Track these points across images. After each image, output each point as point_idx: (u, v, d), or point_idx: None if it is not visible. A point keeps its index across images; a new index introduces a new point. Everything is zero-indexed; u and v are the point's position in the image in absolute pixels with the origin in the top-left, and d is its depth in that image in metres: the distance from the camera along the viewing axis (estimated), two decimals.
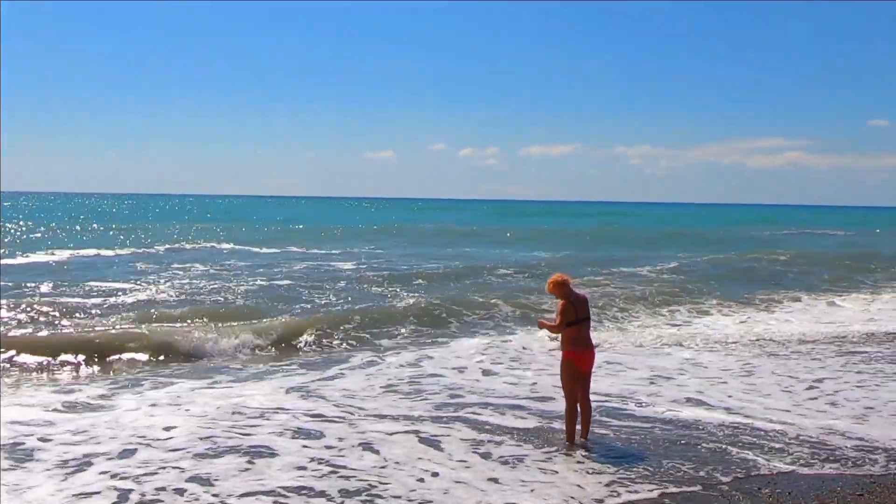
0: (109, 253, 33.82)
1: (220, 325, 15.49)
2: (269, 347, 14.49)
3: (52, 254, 32.10)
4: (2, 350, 13.00)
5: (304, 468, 7.90)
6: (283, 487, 7.37)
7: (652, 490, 7.38)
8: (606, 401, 10.53)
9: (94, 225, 59.26)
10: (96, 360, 13.12)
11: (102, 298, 19.10)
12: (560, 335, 8.65)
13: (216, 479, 7.52)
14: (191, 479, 7.52)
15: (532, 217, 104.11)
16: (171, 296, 19.98)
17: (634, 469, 7.93)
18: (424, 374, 12.45)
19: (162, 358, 13.44)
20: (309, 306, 18.77)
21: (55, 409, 10.02)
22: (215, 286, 22.14)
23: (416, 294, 20.76)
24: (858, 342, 15.72)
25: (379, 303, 19.12)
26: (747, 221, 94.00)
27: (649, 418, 9.89)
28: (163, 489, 7.28)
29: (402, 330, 16.31)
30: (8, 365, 12.68)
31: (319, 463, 8.06)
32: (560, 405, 10.26)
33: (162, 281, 23.32)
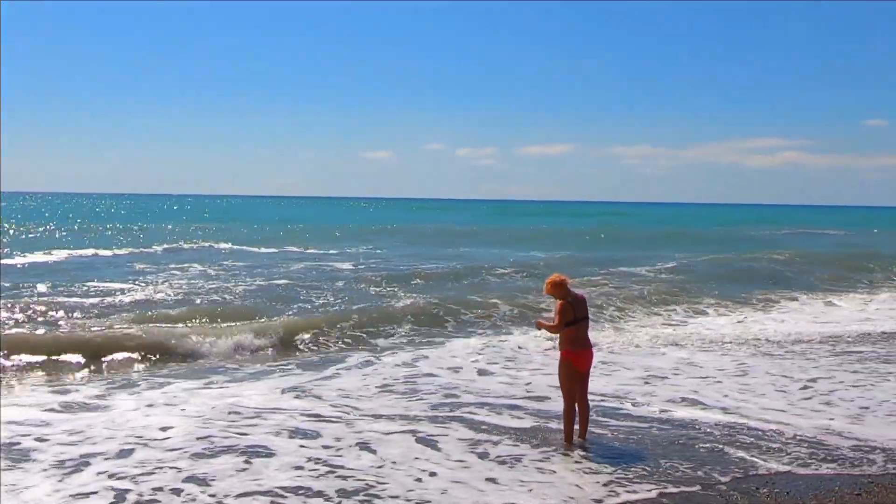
0: (107, 253, 33.78)
1: (217, 325, 15.49)
2: (267, 347, 14.46)
3: (50, 254, 32.03)
4: (2, 350, 12.96)
5: (301, 468, 7.89)
6: (281, 487, 7.36)
7: (650, 490, 7.38)
8: (602, 400, 10.52)
9: (92, 225, 59.21)
10: (93, 360, 13.09)
11: (99, 298, 19.07)
12: (558, 335, 8.64)
13: (213, 480, 7.51)
14: (188, 480, 7.50)
15: (530, 217, 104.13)
16: (169, 296, 19.96)
17: (632, 469, 7.92)
18: (421, 373, 12.44)
19: (158, 358, 13.41)
20: (307, 306, 18.75)
21: (52, 409, 10.00)
22: (213, 286, 22.11)
23: (414, 294, 20.73)
24: (853, 342, 15.72)
25: (376, 303, 19.10)
26: (745, 221, 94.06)
27: (646, 418, 9.89)
28: (160, 489, 7.26)
29: (400, 330, 16.30)
30: (7, 363, 12.65)
31: (317, 463, 8.04)
32: (556, 405, 10.26)
33: (159, 281, 23.29)
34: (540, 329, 8.90)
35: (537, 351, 14.45)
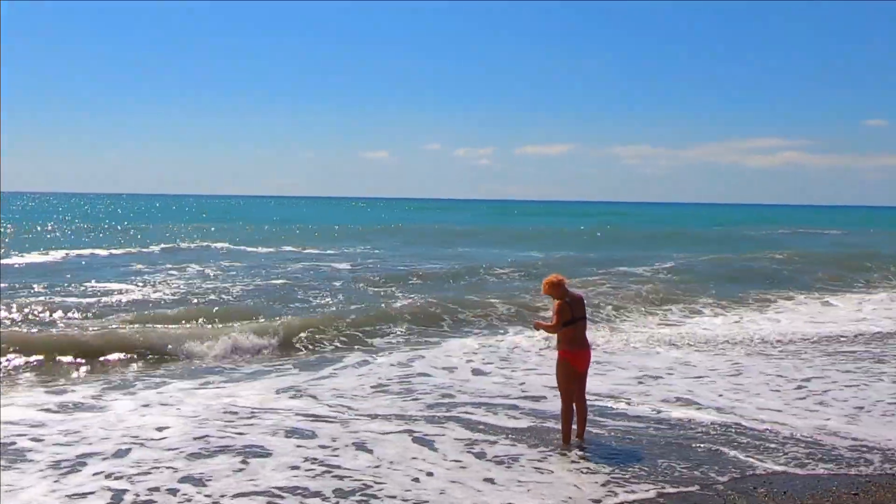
0: (104, 253, 33.75)
1: (213, 325, 15.46)
2: (263, 348, 14.42)
3: (47, 254, 31.99)
4: (2, 350, 12.92)
5: (297, 468, 7.87)
6: (278, 487, 7.34)
7: (648, 490, 7.36)
8: (597, 400, 10.51)
9: (90, 225, 59.15)
10: (89, 360, 13.04)
11: (96, 298, 19.03)
12: (556, 335, 8.63)
13: (209, 480, 7.49)
14: (184, 480, 7.48)
15: (528, 217, 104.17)
16: (166, 296, 19.93)
17: (630, 469, 7.91)
18: (417, 373, 12.44)
19: (155, 358, 13.38)
20: (304, 306, 18.73)
21: (47, 409, 9.97)
22: (210, 286, 22.09)
23: (412, 294, 20.72)
24: (847, 341, 15.73)
25: (374, 303, 19.08)
26: (745, 221, 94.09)
27: (642, 418, 9.88)
28: (156, 489, 7.24)
29: (396, 330, 16.27)
30: (3, 363, 12.61)
31: (313, 463, 8.03)
32: (552, 404, 10.25)
33: (156, 281, 23.26)
34: (538, 329, 8.89)
35: (535, 351, 14.45)
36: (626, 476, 7.71)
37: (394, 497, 7.17)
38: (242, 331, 14.65)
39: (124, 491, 7.20)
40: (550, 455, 8.36)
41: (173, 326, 15.00)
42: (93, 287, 21.21)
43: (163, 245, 38.69)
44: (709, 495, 7.26)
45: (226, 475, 7.62)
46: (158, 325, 15.07)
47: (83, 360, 12.97)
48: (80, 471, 7.74)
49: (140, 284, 22.22)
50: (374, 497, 7.17)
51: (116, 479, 7.50)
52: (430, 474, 7.75)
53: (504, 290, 21.07)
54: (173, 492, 7.20)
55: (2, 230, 47.38)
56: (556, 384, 8.85)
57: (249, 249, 37.34)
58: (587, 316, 8.91)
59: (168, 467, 7.82)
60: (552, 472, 7.86)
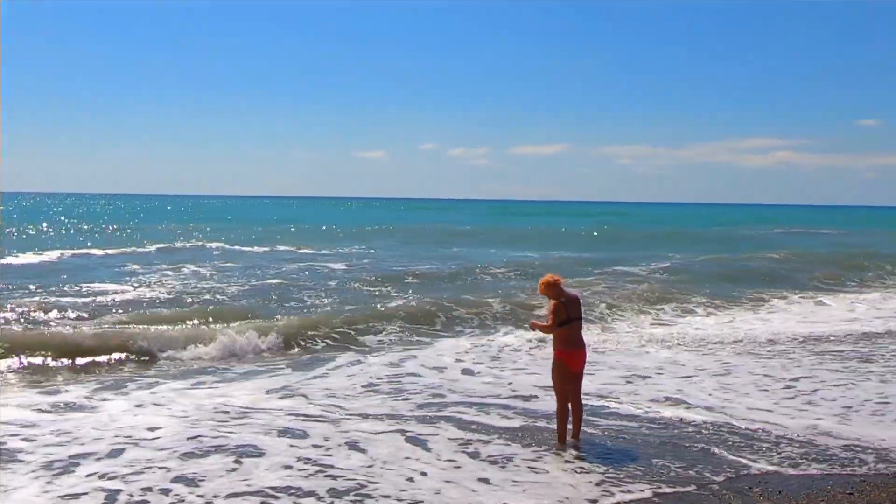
0: (99, 253, 33.65)
1: (207, 325, 15.41)
2: (257, 348, 14.35)
3: (42, 254, 31.87)
4: (2, 351, 12.84)
5: (290, 467, 7.85)
6: (271, 487, 7.31)
7: (644, 490, 7.35)
8: (587, 399, 10.40)
9: (86, 225, 59.01)
10: (81, 360, 12.98)
11: (89, 298, 18.97)
12: (552, 335, 8.61)
13: (202, 480, 7.45)
14: (177, 480, 7.45)
15: (525, 217, 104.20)
16: (160, 296, 19.88)
17: (625, 469, 7.89)
18: (409, 373, 12.42)
19: (147, 358, 13.33)
20: (298, 307, 18.68)
21: (39, 410, 9.92)
22: (205, 286, 22.04)
23: (407, 294, 20.72)
24: (837, 341, 15.72)
25: (368, 303, 19.06)
26: (742, 221, 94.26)
27: (634, 417, 9.88)
28: (149, 489, 7.21)
29: (391, 330, 16.21)
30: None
31: (306, 462, 8.00)
32: (545, 404, 10.26)
33: (151, 281, 23.20)
34: (534, 329, 8.89)
35: (524, 350, 14.47)
36: (621, 476, 7.69)
37: (388, 497, 7.15)
38: (236, 331, 14.60)
39: (118, 491, 7.16)
40: (545, 455, 8.34)
41: (167, 327, 14.94)
42: (87, 287, 21.13)
43: (158, 245, 38.56)
44: (704, 495, 7.25)
45: (219, 475, 7.59)
46: (152, 326, 15.01)
47: (75, 361, 12.91)
48: (73, 471, 7.69)
49: (135, 284, 22.15)
50: (369, 497, 7.14)
51: (109, 479, 7.46)
52: (424, 474, 7.73)
53: (499, 290, 21.05)
54: (166, 492, 7.16)
55: (1, 230, 47.19)
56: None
57: (245, 249, 37.28)
58: (583, 316, 8.89)
59: (161, 467, 7.79)
60: (547, 471, 7.84)
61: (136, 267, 27.35)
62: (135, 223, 63.64)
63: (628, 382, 11.85)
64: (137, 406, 10.16)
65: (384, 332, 16.01)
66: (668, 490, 7.35)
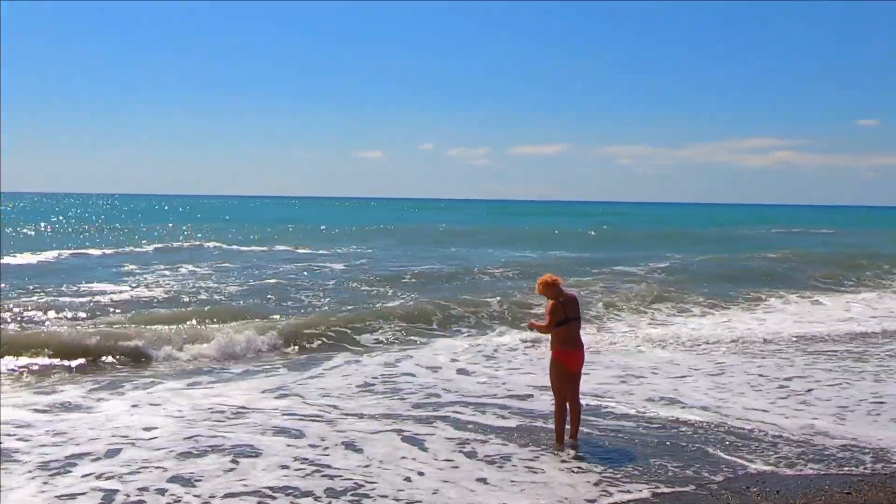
0: (97, 253, 33.61)
1: (204, 325, 15.39)
2: (253, 348, 14.33)
3: (39, 254, 31.81)
4: (2, 351, 12.81)
5: (287, 467, 7.83)
6: (268, 487, 7.29)
7: (642, 490, 7.33)
8: (583, 399, 10.40)
9: (84, 225, 58.93)
10: (77, 360, 12.92)
11: (87, 298, 18.94)
12: (550, 335, 8.59)
13: (199, 480, 7.44)
14: (174, 480, 7.43)
15: (524, 217, 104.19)
16: (157, 296, 19.86)
17: (623, 469, 7.88)
18: (405, 373, 12.41)
19: (144, 359, 13.29)
20: (296, 306, 18.66)
21: (35, 410, 9.89)
22: (202, 286, 22.02)
23: (404, 294, 20.70)
24: (831, 341, 15.73)
25: (366, 303, 19.05)
26: (739, 221, 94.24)
27: (630, 417, 9.87)
28: (146, 489, 7.19)
29: (388, 330, 16.18)
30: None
31: (303, 462, 7.98)
32: (541, 404, 10.25)
33: (148, 281, 23.17)
34: (532, 329, 8.88)
35: (520, 350, 14.46)
36: (619, 476, 7.68)
37: (386, 497, 7.13)
38: (233, 331, 14.57)
39: (114, 491, 7.14)
40: (542, 454, 8.33)
41: (164, 326, 14.91)
42: (84, 287, 21.09)
43: (156, 245, 38.56)
44: (703, 495, 7.24)
45: (216, 475, 7.57)
46: (149, 326, 14.98)
47: (72, 361, 12.86)
48: (70, 471, 7.67)
49: (132, 285, 22.13)
50: (367, 496, 7.12)
51: (106, 479, 7.44)
52: (421, 474, 7.71)
53: (497, 291, 21.02)
54: (162, 492, 7.15)
55: (1, 230, 47.11)
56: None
57: (242, 249, 37.26)
58: (581, 316, 8.88)
59: (157, 467, 7.77)
60: (545, 471, 7.83)
61: (133, 267, 27.31)
62: (132, 223, 63.54)
63: (623, 382, 11.85)
64: (134, 406, 10.13)
65: (381, 332, 15.99)
66: (666, 490, 7.34)
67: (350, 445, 8.54)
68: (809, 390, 11.40)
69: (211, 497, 7.04)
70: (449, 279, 24.63)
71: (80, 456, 8.11)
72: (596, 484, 7.47)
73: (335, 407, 10.22)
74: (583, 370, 8.85)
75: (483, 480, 7.56)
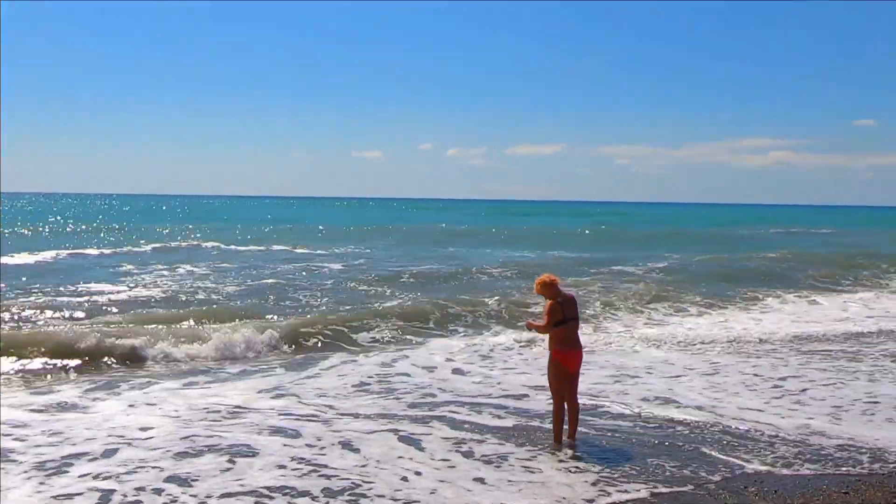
0: (94, 252, 33.57)
1: (201, 325, 15.37)
2: (250, 348, 14.30)
3: (37, 254, 31.75)
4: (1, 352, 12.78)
5: (284, 467, 7.81)
6: (265, 487, 7.27)
7: (640, 490, 7.32)
8: (578, 399, 10.46)
9: (82, 225, 58.85)
10: (74, 360, 12.90)
11: (84, 298, 18.91)
12: (548, 335, 8.58)
13: (196, 480, 7.42)
14: (170, 479, 7.42)
15: (523, 217, 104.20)
16: (155, 296, 19.83)
17: (620, 468, 7.87)
18: (401, 373, 12.40)
19: (141, 358, 13.25)
20: (293, 306, 18.64)
21: (31, 410, 9.87)
22: (200, 286, 21.99)
23: (402, 294, 20.68)
24: (826, 341, 15.71)
25: (364, 303, 19.03)
26: (738, 221, 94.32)
27: (627, 417, 9.86)
28: (142, 489, 7.17)
29: (385, 330, 16.15)
30: None
31: (300, 462, 7.97)
32: (537, 403, 10.25)
33: (146, 281, 23.14)
34: (530, 329, 8.85)
35: (518, 350, 14.44)
36: (617, 476, 7.67)
37: (383, 496, 7.11)
38: (230, 331, 14.54)
39: (111, 491, 7.12)
40: (539, 454, 8.31)
41: (161, 326, 14.88)
42: (81, 287, 21.05)
43: (153, 245, 38.52)
44: (701, 495, 7.23)
45: (213, 475, 7.55)
46: (146, 325, 14.96)
47: (69, 361, 12.83)
48: (66, 471, 7.66)
49: (130, 285, 22.10)
50: (364, 496, 7.11)
51: (103, 479, 7.42)
52: (418, 473, 7.70)
53: (494, 290, 21.01)
54: (159, 491, 7.13)
55: (1, 230, 47.03)
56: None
57: (241, 249, 37.22)
58: (578, 316, 8.87)
59: (154, 467, 7.75)
60: (542, 471, 7.81)
61: (131, 267, 27.28)
62: (131, 223, 63.46)
63: (617, 382, 11.84)
64: (130, 406, 10.12)
65: (378, 332, 15.96)
66: (664, 490, 7.33)
67: (347, 445, 8.53)
68: (804, 390, 11.40)
69: (208, 497, 7.02)
70: (447, 279, 24.62)
71: (77, 456, 8.09)
72: (594, 484, 7.46)
73: (331, 407, 10.21)
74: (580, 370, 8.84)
75: (480, 480, 7.55)
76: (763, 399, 10.83)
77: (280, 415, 9.73)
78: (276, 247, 38.68)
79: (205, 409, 9.97)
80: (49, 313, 16.58)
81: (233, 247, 38.52)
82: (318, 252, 35.40)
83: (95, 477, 7.48)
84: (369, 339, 15.53)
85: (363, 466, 7.86)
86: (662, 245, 43.25)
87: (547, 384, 8.88)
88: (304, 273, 26.14)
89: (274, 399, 10.59)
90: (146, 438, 8.69)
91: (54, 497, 7.03)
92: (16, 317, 16.03)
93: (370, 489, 7.26)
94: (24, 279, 22.57)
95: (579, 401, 8.98)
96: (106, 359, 13.08)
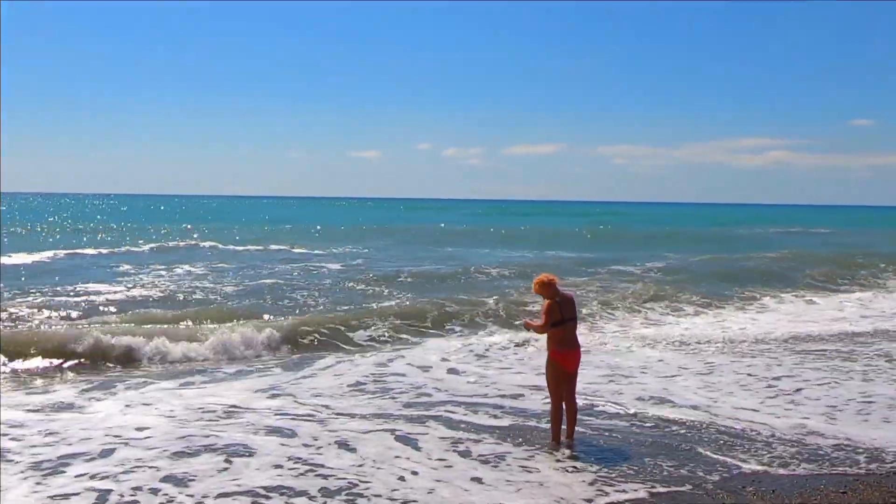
0: (92, 252, 33.52)
1: (198, 325, 15.34)
2: (247, 347, 14.28)
3: (34, 254, 31.70)
4: (1, 352, 12.75)
5: (281, 467, 7.80)
6: (262, 487, 7.25)
7: (638, 490, 7.31)
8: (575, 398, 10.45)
9: (79, 225, 58.78)
10: (71, 360, 12.89)
11: (81, 299, 18.88)
12: (546, 335, 8.56)
13: (192, 479, 7.40)
14: (167, 479, 7.40)
15: (520, 217, 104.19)
16: (152, 296, 19.80)
17: (618, 468, 7.85)
18: (396, 373, 12.38)
19: (137, 359, 13.23)
20: (290, 306, 18.61)
21: (27, 410, 9.84)
22: (198, 286, 21.97)
23: (400, 294, 20.67)
24: (821, 340, 15.70)
25: (361, 303, 19.02)
26: (737, 221, 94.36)
27: (623, 416, 9.85)
28: (139, 489, 7.16)
29: (382, 330, 16.12)
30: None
31: (297, 462, 7.95)
32: (534, 403, 10.24)
33: (143, 281, 23.11)
34: (528, 329, 8.82)
35: (513, 350, 14.44)
36: (614, 475, 7.66)
37: (380, 496, 7.09)
38: (226, 331, 14.51)
39: (108, 491, 7.11)
40: (537, 454, 8.30)
41: (158, 326, 14.86)
42: (79, 287, 21.02)
43: (151, 245, 38.48)
44: (699, 494, 7.21)
45: (209, 475, 7.53)
46: (143, 325, 14.93)
47: (65, 361, 12.82)
48: (63, 471, 7.64)
49: (128, 284, 22.06)
50: (361, 496, 7.09)
51: (100, 479, 7.40)
52: (415, 473, 7.68)
53: (492, 291, 21.00)
54: (156, 491, 7.11)
55: (1, 231, 46.95)
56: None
57: (238, 249, 37.19)
58: (577, 316, 8.85)
59: (151, 467, 7.73)
60: (540, 471, 7.80)
61: (128, 267, 27.25)
62: (129, 223, 63.40)
63: (612, 382, 11.82)
64: (127, 406, 10.10)
65: (374, 332, 15.94)
66: (662, 490, 7.31)
67: (343, 445, 8.51)
68: (798, 390, 11.39)
69: (204, 497, 7.01)
70: (445, 279, 24.59)
71: (74, 456, 8.07)
72: (591, 483, 7.45)
73: (327, 407, 10.19)
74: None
75: (478, 480, 7.53)
76: (758, 399, 10.82)
77: (276, 415, 9.72)
78: (273, 247, 38.64)
79: (201, 409, 9.95)
80: (46, 313, 16.55)
81: (231, 247, 38.48)
82: (316, 252, 35.37)
83: (92, 477, 7.47)
84: (366, 338, 15.52)
85: (360, 466, 7.84)
86: (661, 245, 43.24)
87: (544, 384, 8.87)
88: (301, 273, 26.13)
89: (270, 399, 10.57)
90: (143, 438, 8.67)
91: (51, 497, 7.01)
92: (13, 317, 15.99)
93: (367, 489, 7.25)
94: (21, 279, 22.54)
95: (576, 400, 8.96)
96: (102, 359, 13.05)
